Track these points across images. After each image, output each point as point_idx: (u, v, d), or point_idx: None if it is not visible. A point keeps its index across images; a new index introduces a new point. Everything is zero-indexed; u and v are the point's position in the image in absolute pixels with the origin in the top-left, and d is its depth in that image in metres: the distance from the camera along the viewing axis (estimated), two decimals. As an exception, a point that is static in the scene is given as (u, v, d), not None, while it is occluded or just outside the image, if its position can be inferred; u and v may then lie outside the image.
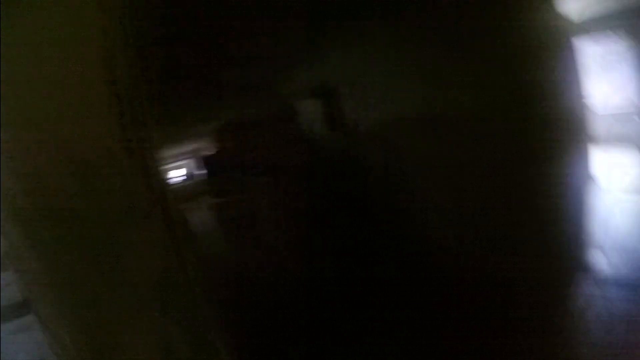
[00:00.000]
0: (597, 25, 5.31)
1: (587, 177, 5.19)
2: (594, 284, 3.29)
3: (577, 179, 3.78)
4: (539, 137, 3.50)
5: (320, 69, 5.08)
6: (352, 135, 5.22)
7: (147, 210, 1.80)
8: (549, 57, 3.79)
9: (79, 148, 1.50)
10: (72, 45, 1.51)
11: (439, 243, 4.43)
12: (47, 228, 1.49)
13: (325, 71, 5.05)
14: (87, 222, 1.54)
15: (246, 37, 4.22)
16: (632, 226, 4.07)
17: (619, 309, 2.99)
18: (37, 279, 1.53)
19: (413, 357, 3.06)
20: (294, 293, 4.62)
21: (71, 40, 1.51)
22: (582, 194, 3.92)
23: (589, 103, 5.14)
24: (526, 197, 3.62)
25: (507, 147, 3.64)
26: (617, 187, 5.04)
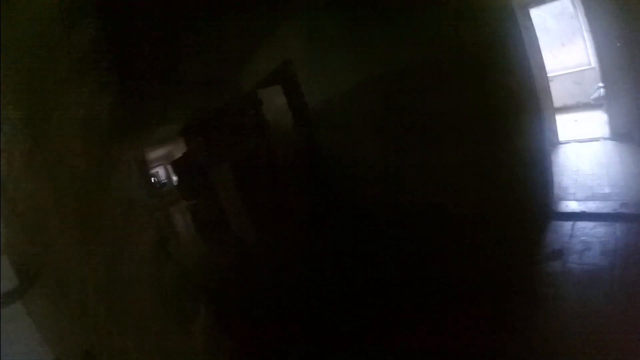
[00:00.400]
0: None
1: (550, 133, 5.35)
2: (568, 223, 3.44)
3: (540, 135, 3.91)
4: (500, 98, 3.62)
5: (278, 54, 5.16)
6: (312, 117, 5.26)
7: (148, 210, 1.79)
8: (502, 18, 3.90)
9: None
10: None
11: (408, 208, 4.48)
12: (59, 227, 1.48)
13: (282, 56, 5.11)
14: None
15: (202, 32, 4.21)
16: (594, 170, 4.25)
17: (593, 240, 3.14)
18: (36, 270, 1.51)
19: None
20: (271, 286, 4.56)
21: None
22: (546, 149, 4.06)
23: (546, 64, 5.30)
24: (491, 155, 3.73)
25: (469, 110, 3.74)
26: (579, 139, 5.24)
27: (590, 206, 3.79)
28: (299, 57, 6.33)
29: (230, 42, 5.81)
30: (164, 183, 23.56)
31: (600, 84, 6.16)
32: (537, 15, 6.78)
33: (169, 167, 11.70)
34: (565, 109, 7.61)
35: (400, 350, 2.81)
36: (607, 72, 5.38)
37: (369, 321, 3.26)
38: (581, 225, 3.55)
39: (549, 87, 6.51)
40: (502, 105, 3.84)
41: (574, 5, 7.01)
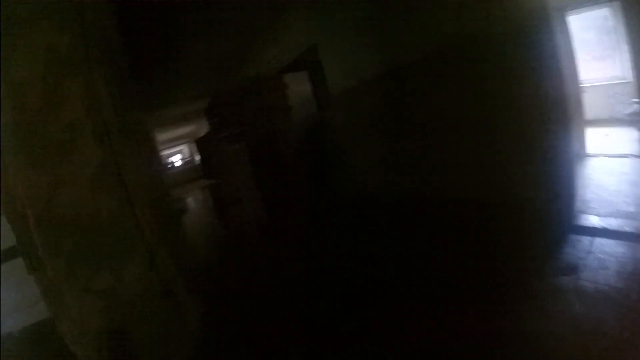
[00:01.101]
0: None
1: (578, 145, 5.17)
2: (587, 238, 3.32)
3: (568, 146, 3.79)
4: (528, 102, 3.51)
5: (303, 39, 5.14)
6: (333, 102, 5.23)
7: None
8: (540, 30, 3.78)
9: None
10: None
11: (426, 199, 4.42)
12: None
13: (307, 39, 5.08)
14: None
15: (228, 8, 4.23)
16: (621, 187, 4.10)
17: (611, 259, 3.02)
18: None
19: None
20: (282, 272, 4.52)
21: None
22: (573, 160, 3.94)
23: (579, 75, 5.11)
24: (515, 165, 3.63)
25: (494, 113, 3.64)
26: (607, 153, 5.05)
27: (612, 223, 3.66)
28: (321, 43, 6.29)
29: (255, 22, 5.81)
30: (187, 160, 24.26)
31: (636, 100, 5.95)
32: (575, 25, 6.56)
33: (192, 146, 12.04)
34: (596, 121, 7.36)
35: (401, 352, 2.76)
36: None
37: (369, 321, 3.22)
38: (600, 241, 3.43)
39: (581, 97, 6.31)
40: (529, 110, 3.72)
41: (614, 17, 6.78)
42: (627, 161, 5.30)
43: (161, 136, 16.88)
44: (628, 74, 6.96)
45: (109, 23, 2.19)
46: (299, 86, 7.06)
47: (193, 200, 13.64)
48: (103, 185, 1.62)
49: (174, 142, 22.57)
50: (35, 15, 1.50)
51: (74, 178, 1.57)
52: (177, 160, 24.31)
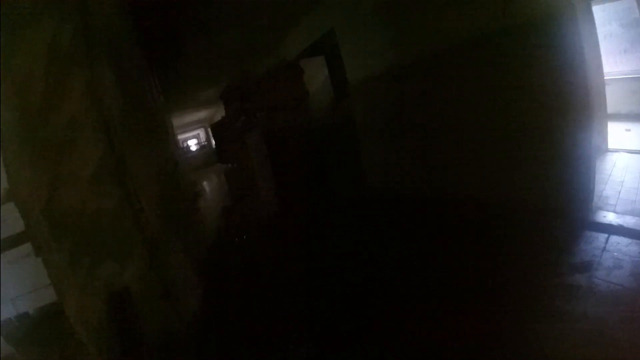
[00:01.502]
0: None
1: (599, 139, 5.02)
2: (603, 236, 3.24)
3: (588, 140, 3.70)
4: (548, 93, 3.42)
5: (320, 23, 5.09)
6: (351, 90, 5.13)
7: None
8: (563, 21, 3.68)
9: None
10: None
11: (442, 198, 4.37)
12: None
13: (325, 25, 5.03)
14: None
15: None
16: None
17: (626, 258, 2.94)
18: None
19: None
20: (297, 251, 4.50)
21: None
22: (592, 155, 3.85)
23: (602, 68, 4.96)
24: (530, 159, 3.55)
25: (512, 104, 3.55)
26: (628, 149, 4.91)
27: (629, 221, 3.58)
28: (339, 30, 6.12)
29: (273, 9, 5.76)
30: (203, 145, 24.37)
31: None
32: (599, 16, 6.35)
33: (208, 131, 12.12)
34: (617, 116, 7.14)
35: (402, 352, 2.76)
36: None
37: (371, 321, 3.20)
38: (616, 239, 3.36)
39: (604, 90, 6.12)
40: (550, 103, 3.63)
41: (638, 8, 6.55)
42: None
43: (176, 122, 17.03)
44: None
45: (114, 16, 2.18)
46: (316, 72, 6.98)
47: (208, 185, 13.77)
48: (103, 185, 1.62)
49: (187, 129, 22.72)
50: (37, 9, 1.49)
51: (74, 177, 1.57)
52: (191, 146, 24.46)
